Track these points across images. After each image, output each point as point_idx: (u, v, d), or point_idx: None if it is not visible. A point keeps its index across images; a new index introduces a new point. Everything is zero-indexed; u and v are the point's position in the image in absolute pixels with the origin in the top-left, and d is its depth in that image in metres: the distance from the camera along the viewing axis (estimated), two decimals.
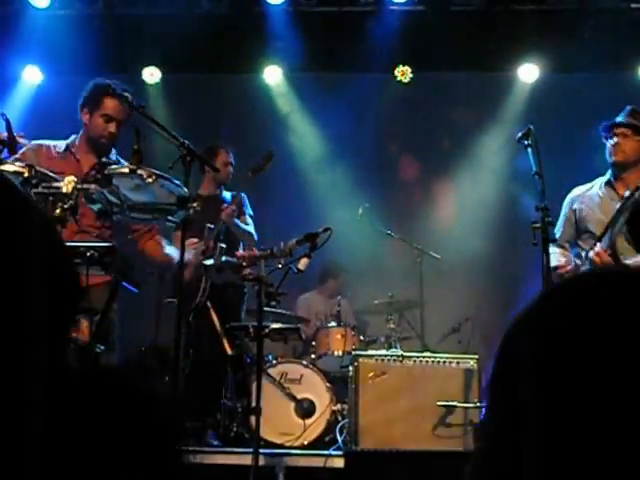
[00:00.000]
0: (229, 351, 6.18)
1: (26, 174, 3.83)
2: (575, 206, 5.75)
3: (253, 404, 5.41)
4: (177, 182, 4.19)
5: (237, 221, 6.62)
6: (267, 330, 5.68)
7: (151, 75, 9.40)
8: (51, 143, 5.33)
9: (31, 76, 9.49)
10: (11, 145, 3.99)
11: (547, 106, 8.98)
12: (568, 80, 9.19)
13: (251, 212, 7.12)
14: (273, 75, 9.56)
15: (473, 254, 9.11)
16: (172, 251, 5.23)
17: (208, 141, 7.36)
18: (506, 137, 8.79)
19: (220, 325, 6.17)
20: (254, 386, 5.64)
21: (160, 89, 9.48)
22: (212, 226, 5.72)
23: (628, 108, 5.68)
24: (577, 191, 5.83)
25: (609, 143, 5.58)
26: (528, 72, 9.27)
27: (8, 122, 4.01)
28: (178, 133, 4.93)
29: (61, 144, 5.33)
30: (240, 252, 5.85)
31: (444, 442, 6.17)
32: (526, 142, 5.02)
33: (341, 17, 8.94)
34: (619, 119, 5.63)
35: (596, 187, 5.73)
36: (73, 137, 5.41)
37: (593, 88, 8.75)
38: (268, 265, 5.50)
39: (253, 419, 6.02)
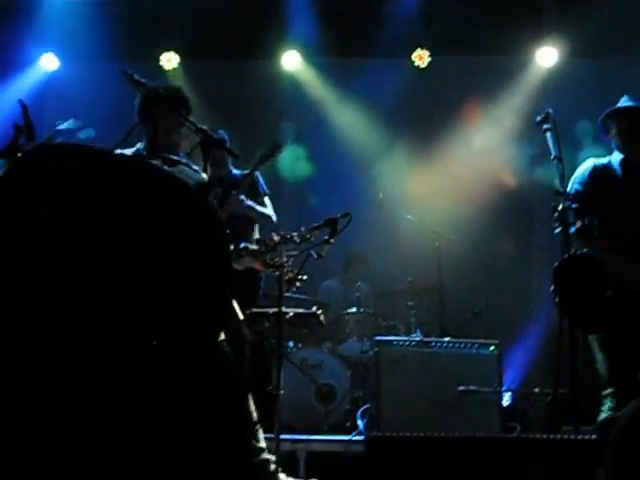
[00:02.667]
0: (249, 337, 6.13)
1: None
2: (598, 179, 5.33)
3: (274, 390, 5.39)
4: (195, 168, 4.17)
5: (250, 203, 6.30)
6: (288, 316, 5.63)
7: (169, 61, 9.40)
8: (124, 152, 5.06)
9: (48, 63, 9.50)
10: (29, 132, 3.96)
11: (565, 90, 8.90)
12: (586, 64, 9.11)
13: (267, 190, 6.78)
14: (291, 60, 9.53)
15: (493, 238, 9.06)
16: None
17: (226, 127, 7.31)
18: (524, 121, 8.74)
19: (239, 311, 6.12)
20: (273, 371, 5.61)
21: (178, 75, 9.46)
22: None
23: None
24: (593, 161, 5.41)
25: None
26: (546, 56, 9.20)
27: (25, 108, 3.97)
28: (195, 119, 4.90)
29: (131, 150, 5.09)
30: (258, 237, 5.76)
31: (464, 427, 6.16)
32: (545, 126, 4.92)
33: (359, 1, 8.90)
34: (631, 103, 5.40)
35: (615, 164, 5.44)
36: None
37: (612, 72, 8.68)
38: (288, 251, 5.45)
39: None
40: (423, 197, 9.25)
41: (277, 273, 5.30)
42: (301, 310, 7.16)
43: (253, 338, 6.17)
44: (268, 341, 6.72)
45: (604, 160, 5.43)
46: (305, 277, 5.32)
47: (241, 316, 5.26)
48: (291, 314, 6.38)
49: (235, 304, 5.36)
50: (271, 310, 6.37)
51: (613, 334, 5.05)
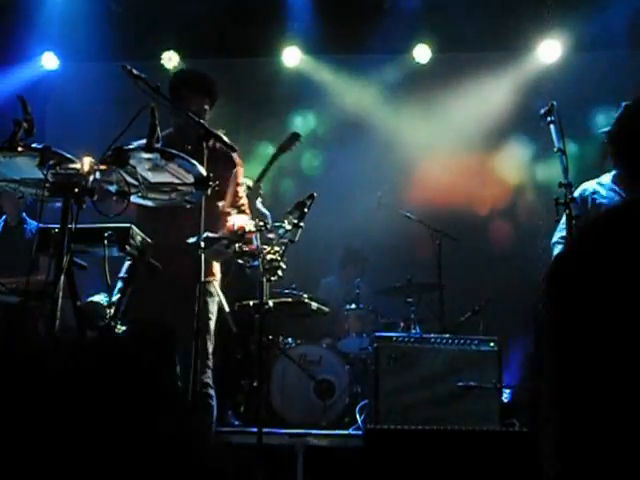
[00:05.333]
0: (234, 329, 6.06)
1: (42, 156, 3.83)
2: (587, 194, 5.38)
3: (271, 384, 5.39)
4: (194, 162, 4.17)
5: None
6: (267, 306, 5.52)
7: (169, 60, 9.42)
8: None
9: (48, 62, 9.52)
10: (28, 127, 3.97)
11: (568, 84, 8.88)
12: (589, 58, 9.10)
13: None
14: (292, 56, 9.54)
15: (492, 235, 9.08)
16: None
17: (227, 125, 7.32)
18: (528, 115, 8.74)
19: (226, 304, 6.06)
20: (272, 366, 5.59)
21: None
22: None
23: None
24: (586, 185, 5.48)
25: None
26: (549, 50, 9.20)
27: (24, 103, 3.98)
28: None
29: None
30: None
31: (464, 424, 6.17)
32: (549, 119, 4.90)
33: None
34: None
35: (607, 182, 5.48)
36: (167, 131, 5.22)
37: (614, 66, 8.68)
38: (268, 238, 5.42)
39: (274, 399, 6.02)
40: (423, 194, 9.26)
41: (251, 261, 5.26)
42: (289, 299, 7.19)
43: (238, 330, 6.13)
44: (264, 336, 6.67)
45: (592, 184, 5.45)
46: (284, 265, 5.28)
47: (227, 309, 5.25)
48: (273, 303, 6.19)
49: (222, 297, 5.34)
50: (253, 302, 6.33)
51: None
